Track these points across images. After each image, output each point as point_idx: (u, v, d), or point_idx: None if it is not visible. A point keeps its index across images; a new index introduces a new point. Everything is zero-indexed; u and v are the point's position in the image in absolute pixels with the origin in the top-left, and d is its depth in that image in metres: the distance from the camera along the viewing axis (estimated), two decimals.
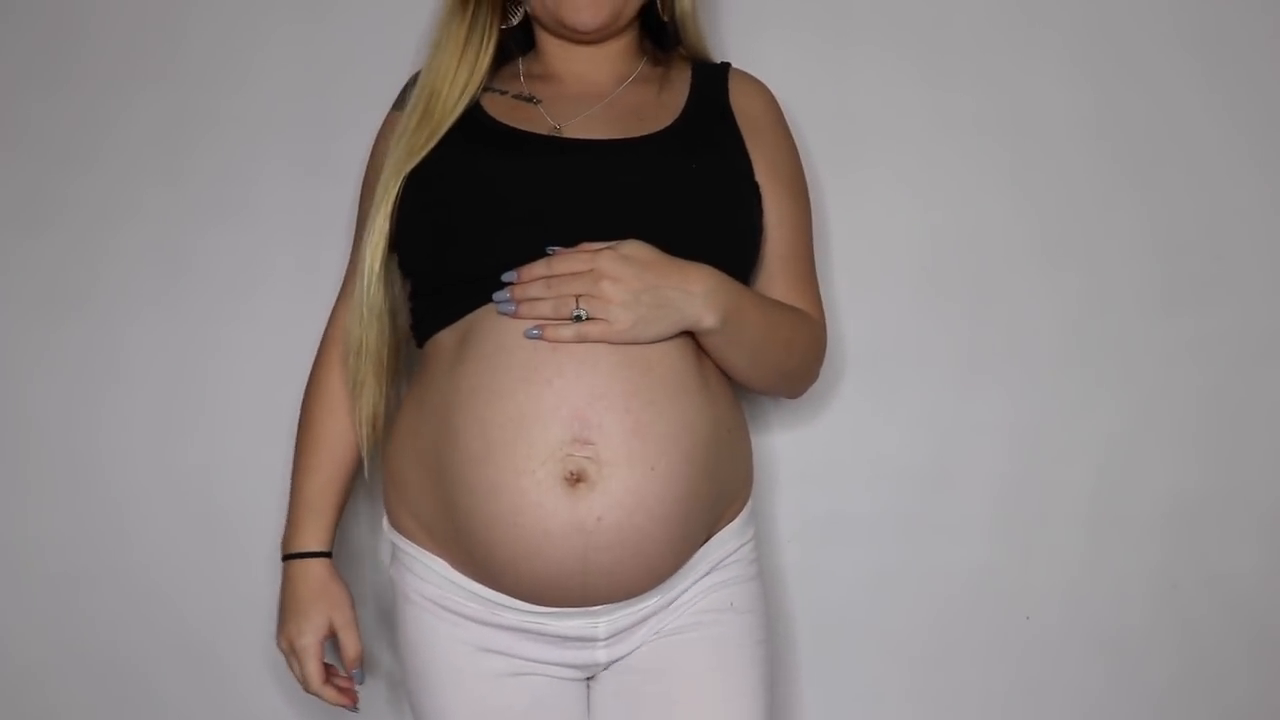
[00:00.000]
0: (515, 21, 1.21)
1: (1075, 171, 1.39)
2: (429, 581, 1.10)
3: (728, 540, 1.13)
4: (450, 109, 1.13)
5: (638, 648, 1.11)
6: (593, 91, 1.18)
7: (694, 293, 1.03)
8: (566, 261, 1.02)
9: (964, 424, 1.40)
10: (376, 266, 1.13)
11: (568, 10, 1.13)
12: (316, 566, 1.19)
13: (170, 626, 1.46)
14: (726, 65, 1.25)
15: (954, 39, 1.39)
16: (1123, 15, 1.38)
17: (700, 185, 1.10)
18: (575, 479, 0.99)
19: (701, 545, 1.11)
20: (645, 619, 1.10)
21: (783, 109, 1.24)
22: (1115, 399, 1.39)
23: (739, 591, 1.14)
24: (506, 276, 1.03)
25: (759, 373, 1.13)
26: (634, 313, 1.00)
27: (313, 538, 1.19)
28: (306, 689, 1.18)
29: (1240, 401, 1.39)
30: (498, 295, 1.04)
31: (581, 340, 1.00)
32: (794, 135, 1.24)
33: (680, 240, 1.05)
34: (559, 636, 1.08)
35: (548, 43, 1.21)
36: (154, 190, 1.45)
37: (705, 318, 1.03)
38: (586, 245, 1.03)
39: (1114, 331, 1.39)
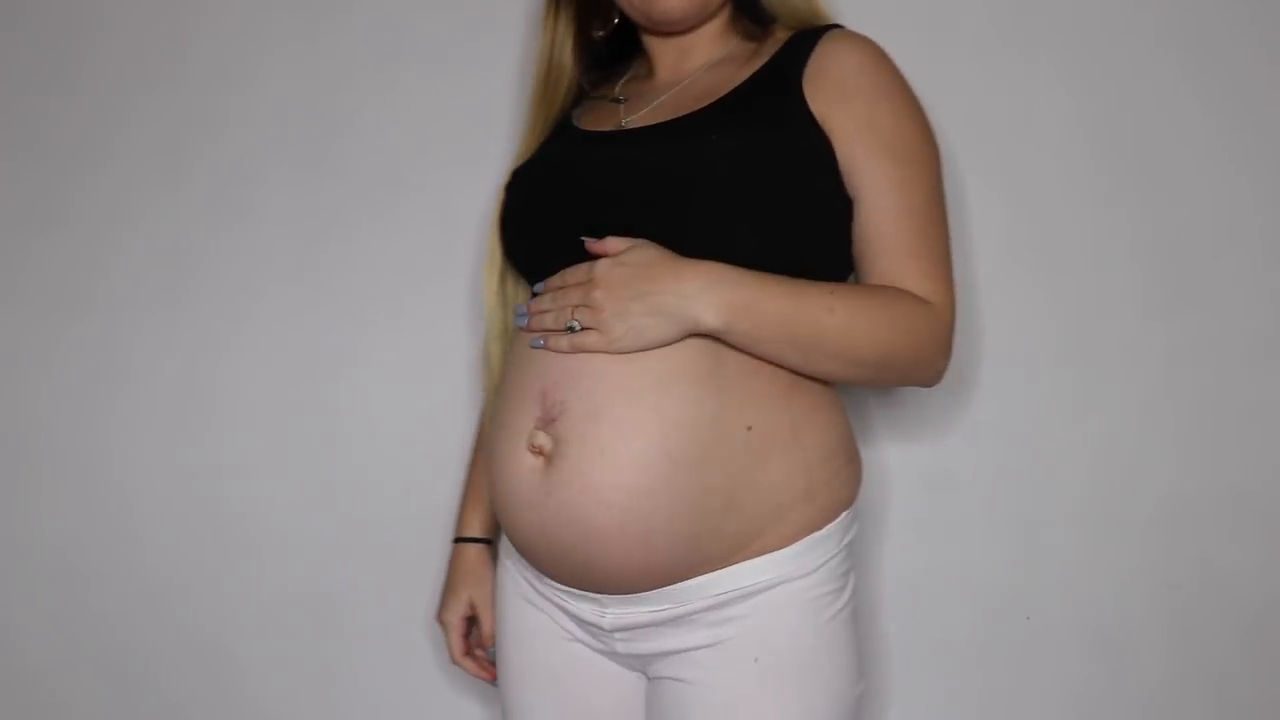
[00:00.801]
0: (615, 21, 1.21)
1: (1074, 171, 1.39)
2: (505, 541, 1.17)
3: (767, 569, 1.02)
4: (540, 131, 1.22)
5: (659, 659, 1.07)
6: (680, 80, 1.18)
7: (688, 294, 0.98)
8: (575, 272, 1.03)
9: (964, 424, 1.40)
10: (494, 284, 1.21)
11: (653, 2, 1.13)
12: (470, 550, 1.29)
13: (179, 624, 1.48)
14: (827, 28, 1.13)
15: (952, 40, 1.39)
16: (1121, 16, 1.38)
17: (719, 158, 1.04)
18: (537, 452, 1.02)
19: (726, 563, 1.02)
20: (652, 626, 1.05)
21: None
22: (1115, 399, 1.39)
23: (777, 644, 1.02)
24: (537, 287, 1.08)
25: (827, 366, 1.03)
26: (625, 322, 0.99)
27: (469, 525, 1.31)
28: (451, 660, 1.29)
29: (1240, 401, 1.38)
30: (517, 307, 1.09)
31: (578, 351, 1.01)
32: None
33: (698, 219, 1.03)
34: (577, 617, 1.10)
35: (645, 40, 1.22)
36: (161, 192, 1.47)
37: (704, 318, 0.98)
38: (612, 241, 1.02)
39: (1113, 331, 1.39)
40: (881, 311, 1.04)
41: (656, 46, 1.20)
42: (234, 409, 1.47)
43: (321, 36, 1.46)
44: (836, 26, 1.14)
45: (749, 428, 1.01)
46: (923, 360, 1.08)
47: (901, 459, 1.41)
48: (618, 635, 1.08)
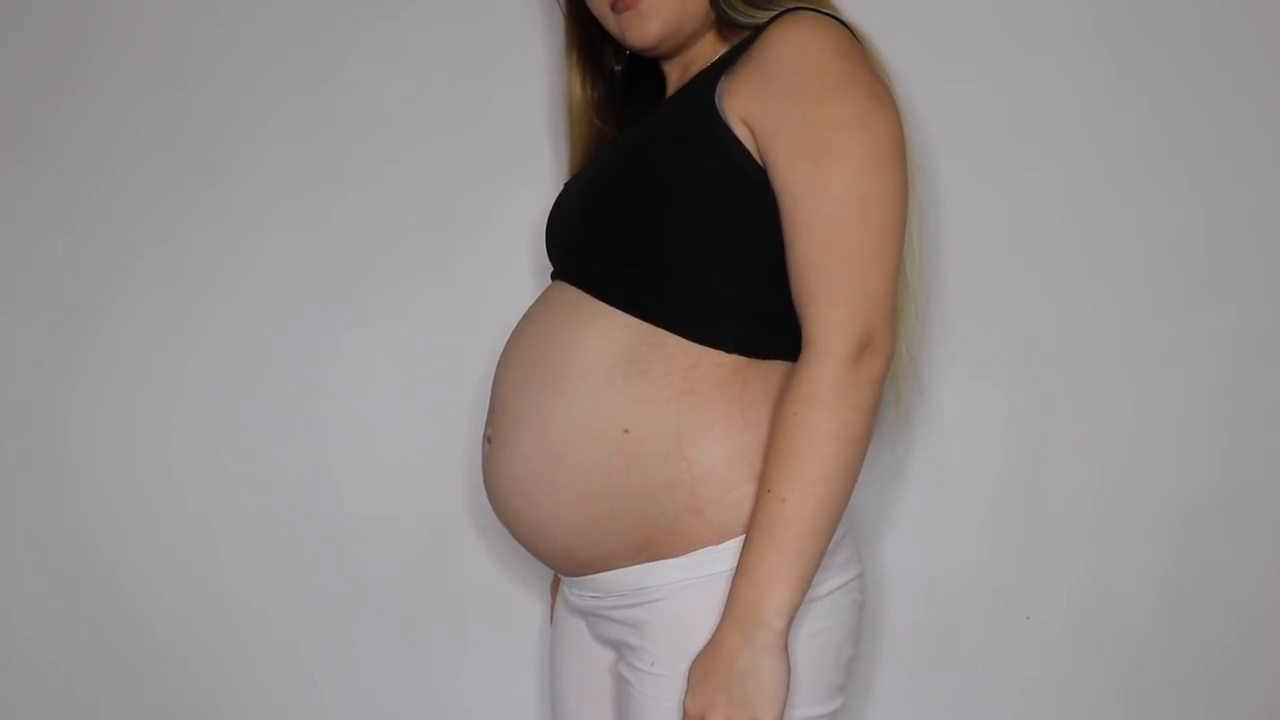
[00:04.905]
0: (628, 52, 1.18)
1: (1076, 170, 1.39)
2: None
3: (661, 574, 1.00)
4: (575, 155, 1.26)
5: (616, 649, 1.09)
6: None
7: (744, 644, 0.93)
8: None
9: (964, 424, 1.40)
10: None
11: (623, 32, 1.10)
12: None
13: (173, 627, 1.48)
14: (783, 12, 1.02)
15: (954, 37, 1.39)
16: (1123, 14, 1.38)
17: (610, 176, 1.05)
18: (487, 440, 1.08)
19: (632, 562, 1.01)
20: (599, 617, 1.07)
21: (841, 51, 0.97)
22: (1117, 399, 1.39)
23: (669, 656, 0.99)
24: None
25: (843, 501, 0.95)
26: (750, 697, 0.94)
27: None
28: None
29: (1242, 401, 1.38)
30: None
31: None
32: None
33: (597, 231, 1.04)
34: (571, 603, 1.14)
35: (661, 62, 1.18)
36: (156, 193, 1.46)
37: (777, 625, 0.93)
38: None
39: (1115, 331, 1.39)
40: (799, 447, 0.93)
41: (665, 67, 1.18)
42: (232, 410, 1.47)
43: (324, 37, 1.45)
44: (796, 10, 1.02)
45: (626, 430, 0.98)
46: (861, 404, 0.94)
47: (901, 458, 1.41)
48: (589, 619, 1.10)
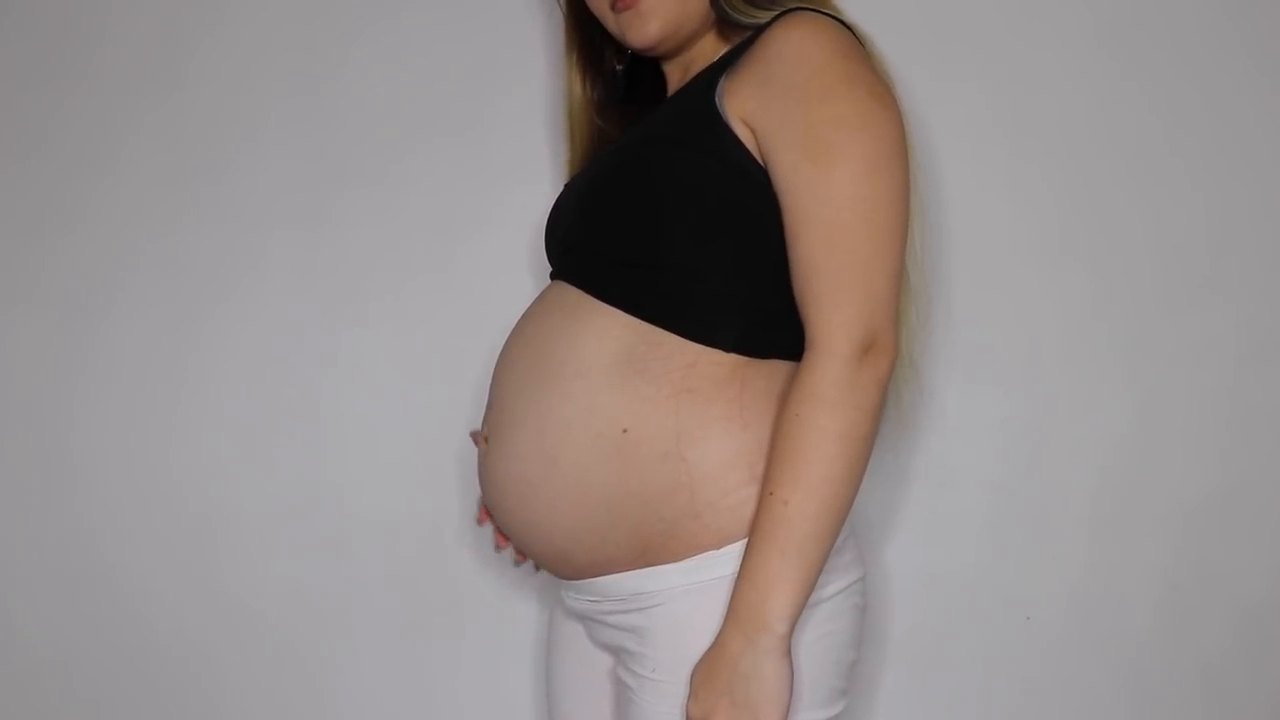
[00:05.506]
0: (629, 52, 1.17)
1: (1077, 170, 1.39)
2: None
3: (659, 578, 0.98)
4: (575, 158, 1.25)
5: (614, 654, 1.09)
6: None
7: (747, 648, 0.92)
8: None
9: (964, 424, 1.40)
10: None
11: (623, 32, 1.10)
12: None
13: (165, 625, 1.48)
14: (784, 12, 1.02)
15: (955, 37, 1.39)
16: (1123, 14, 1.38)
17: (610, 175, 1.05)
18: (484, 440, 1.08)
19: (630, 566, 1.00)
20: (595, 621, 1.07)
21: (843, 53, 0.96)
22: (1117, 399, 1.39)
23: (668, 661, 0.98)
24: None
25: (847, 501, 0.95)
26: (754, 701, 0.93)
27: None
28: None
29: (1243, 402, 1.38)
30: None
31: None
32: None
33: (591, 232, 1.05)
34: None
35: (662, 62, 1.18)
36: (156, 193, 1.46)
37: (780, 629, 0.92)
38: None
39: (1116, 331, 1.39)
40: (801, 448, 0.92)
41: (665, 67, 1.18)
42: (232, 410, 1.47)
43: (324, 37, 1.46)
44: (797, 9, 1.01)
45: (624, 430, 0.97)
46: (865, 405, 0.93)
47: (902, 459, 1.41)
48: (587, 623, 1.10)
